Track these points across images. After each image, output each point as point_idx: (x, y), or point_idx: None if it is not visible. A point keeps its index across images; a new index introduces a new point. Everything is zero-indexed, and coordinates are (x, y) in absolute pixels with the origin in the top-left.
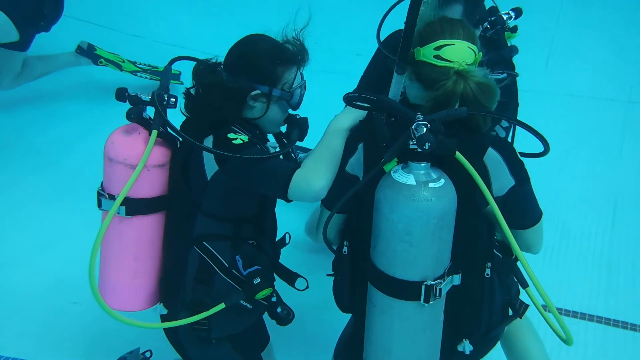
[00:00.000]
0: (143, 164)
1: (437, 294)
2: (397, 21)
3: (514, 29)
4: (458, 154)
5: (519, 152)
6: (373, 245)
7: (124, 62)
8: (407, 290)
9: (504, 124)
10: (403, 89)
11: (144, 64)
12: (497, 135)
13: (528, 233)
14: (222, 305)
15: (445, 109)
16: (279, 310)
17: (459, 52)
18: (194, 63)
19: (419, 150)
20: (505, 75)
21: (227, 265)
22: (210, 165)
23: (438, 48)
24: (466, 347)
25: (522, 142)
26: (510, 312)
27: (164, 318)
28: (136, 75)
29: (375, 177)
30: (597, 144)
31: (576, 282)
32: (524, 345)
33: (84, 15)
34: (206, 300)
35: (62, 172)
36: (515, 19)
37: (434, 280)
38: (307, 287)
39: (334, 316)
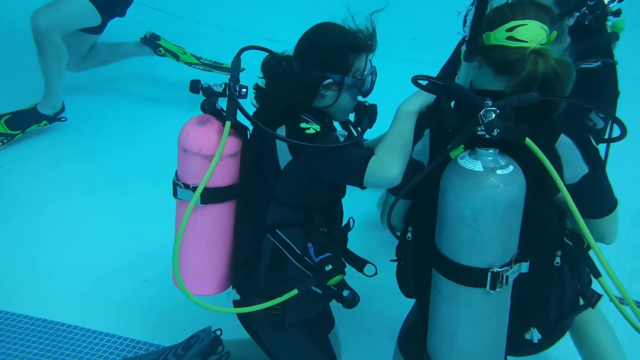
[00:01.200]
0: (219, 155)
1: (504, 281)
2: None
3: (618, 13)
4: (528, 140)
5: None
6: (438, 231)
7: (184, 53)
8: (472, 277)
9: (601, 114)
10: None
11: (208, 60)
12: (589, 125)
13: (601, 222)
14: (295, 292)
15: (528, 91)
16: (345, 293)
17: (533, 32)
18: (260, 56)
19: (487, 136)
20: (599, 63)
21: (300, 253)
22: (284, 155)
23: (510, 29)
24: (534, 335)
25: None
26: (582, 302)
27: (236, 303)
28: (192, 67)
29: (441, 164)
30: None
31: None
32: (596, 336)
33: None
34: (280, 287)
35: (134, 154)
36: (619, 1)
37: (501, 268)
38: (375, 273)
39: (398, 301)
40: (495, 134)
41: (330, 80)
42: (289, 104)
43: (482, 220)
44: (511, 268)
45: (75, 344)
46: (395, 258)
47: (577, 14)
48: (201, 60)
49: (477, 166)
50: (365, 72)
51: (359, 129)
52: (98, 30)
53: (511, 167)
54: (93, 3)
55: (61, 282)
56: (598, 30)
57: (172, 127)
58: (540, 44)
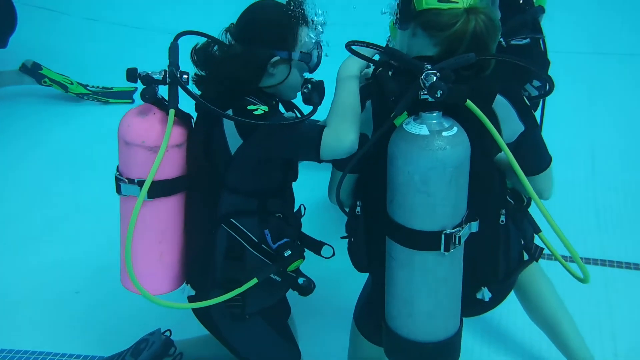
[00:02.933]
0: (165, 145)
1: (457, 242)
2: None
3: None
4: (468, 102)
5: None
6: (389, 199)
7: (71, 83)
8: (426, 241)
9: (536, 83)
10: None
11: (96, 87)
12: (507, 84)
13: (539, 178)
14: (254, 281)
15: (456, 50)
16: (300, 281)
17: None
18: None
19: (430, 99)
20: (528, 40)
21: (257, 241)
22: (234, 140)
23: None
24: (485, 294)
25: None
26: (526, 257)
27: (192, 299)
28: (83, 98)
29: (386, 133)
30: (570, 95)
31: (568, 228)
32: (538, 289)
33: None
34: (238, 277)
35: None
36: None
37: (453, 229)
38: (333, 254)
39: (349, 280)
40: (439, 95)
41: (277, 58)
42: (235, 87)
43: (432, 183)
44: (462, 229)
45: None
46: (346, 235)
47: None
48: (88, 87)
49: (422, 130)
50: (311, 47)
51: (311, 107)
52: None
53: (455, 129)
54: None
55: None
56: (525, 4)
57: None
58: (471, 3)
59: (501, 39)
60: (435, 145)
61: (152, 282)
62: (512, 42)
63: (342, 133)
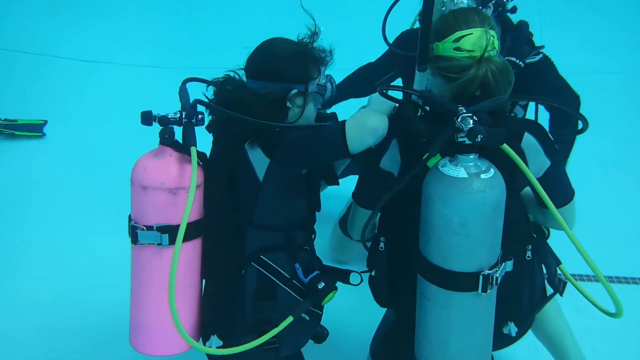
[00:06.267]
0: (195, 181)
1: (494, 282)
2: None
3: (514, 10)
4: (505, 145)
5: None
6: (424, 240)
7: None
8: (464, 282)
9: (521, 102)
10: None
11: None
12: (526, 118)
13: (563, 211)
14: (290, 319)
15: (465, 95)
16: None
17: (478, 40)
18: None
19: (468, 142)
20: (541, 56)
21: (288, 276)
22: (261, 163)
23: (457, 40)
24: (512, 329)
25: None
26: (551, 291)
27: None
28: None
29: (418, 173)
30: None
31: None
32: (556, 327)
33: None
34: (271, 317)
35: None
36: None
37: (490, 269)
38: (361, 281)
39: (366, 312)
40: (479, 140)
41: (295, 91)
42: (261, 124)
43: (471, 225)
44: (499, 269)
45: None
46: (367, 270)
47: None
48: None
49: (460, 172)
50: (324, 81)
51: None
52: None
53: (492, 171)
54: None
55: None
56: (508, 24)
57: None
58: (488, 50)
59: (518, 60)
60: (474, 188)
61: (168, 340)
62: (528, 61)
63: (364, 118)
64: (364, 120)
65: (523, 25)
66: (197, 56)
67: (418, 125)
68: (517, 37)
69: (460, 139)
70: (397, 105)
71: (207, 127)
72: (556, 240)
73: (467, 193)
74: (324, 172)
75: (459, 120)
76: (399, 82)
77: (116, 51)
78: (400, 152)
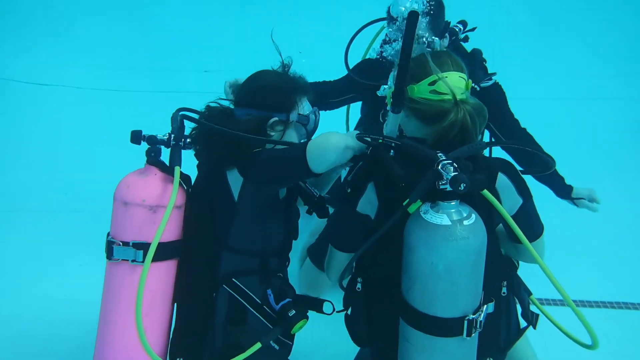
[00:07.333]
0: (174, 200)
1: (478, 326)
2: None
3: (466, 39)
4: (485, 191)
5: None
6: (407, 286)
7: None
8: (449, 328)
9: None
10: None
11: None
12: (497, 157)
13: (535, 245)
14: (258, 345)
15: (447, 138)
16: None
17: (453, 83)
18: None
19: (450, 189)
20: (493, 81)
21: (259, 301)
22: (236, 182)
23: (432, 83)
24: None
25: None
26: (524, 324)
27: None
28: None
29: (398, 219)
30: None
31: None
32: (523, 352)
33: None
34: (241, 341)
35: None
36: (464, 31)
37: (474, 314)
38: (334, 310)
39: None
40: (462, 188)
41: (275, 119)
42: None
43: (457, 271)
44: (482, 312)
45: None
46: (342, 309)
47: (445, 39)
48: None
49: (444, 220)
50: (308, 111)
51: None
52: None
53: (473, 216)
54: None
55: None
56: (461, 51)
57: None
58: (462, 92)
59: (474, 85)
60: (457, 235)
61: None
62: (482, 85)
63: (326, 136)
64: (326, 137)
65: (477, 52)
66: (158, 80)
67: (397, 170)
68: (471, 63)
69: (442, 187)
70: (370, 147)
71: (195, 155)
72: (522, 267)
73: (451, 240)
74: (310, 200)
75: (439, 167)
76: (359, 104)
77: (72, 74)
78: (377, 195)
